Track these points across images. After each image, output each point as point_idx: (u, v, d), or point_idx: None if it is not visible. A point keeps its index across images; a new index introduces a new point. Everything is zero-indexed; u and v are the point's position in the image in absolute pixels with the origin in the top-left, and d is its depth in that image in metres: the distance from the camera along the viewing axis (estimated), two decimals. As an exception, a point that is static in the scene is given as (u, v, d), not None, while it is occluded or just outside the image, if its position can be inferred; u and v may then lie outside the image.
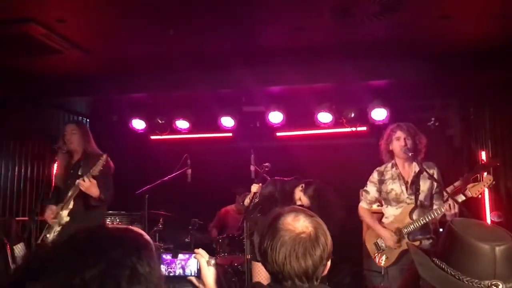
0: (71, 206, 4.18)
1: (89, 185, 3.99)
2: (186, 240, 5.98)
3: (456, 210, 3.66)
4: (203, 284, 1.86)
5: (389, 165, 4.15)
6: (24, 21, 4.07)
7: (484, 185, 3.74)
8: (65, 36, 4.48)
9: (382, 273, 4.13)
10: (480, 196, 3.82)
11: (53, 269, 0.88)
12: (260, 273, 4.33)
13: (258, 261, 4.47)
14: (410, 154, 3.92)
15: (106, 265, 0.88)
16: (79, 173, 4.25)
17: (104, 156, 4.05)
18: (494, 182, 3.81)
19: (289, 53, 5.01)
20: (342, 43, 4.78)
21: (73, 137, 4.37)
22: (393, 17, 4.08)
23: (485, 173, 4.50)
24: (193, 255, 1.92)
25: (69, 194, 4.18)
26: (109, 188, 4.24)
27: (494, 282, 1.25)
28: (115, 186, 4.37)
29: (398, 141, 4.02)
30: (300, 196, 4.46)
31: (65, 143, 4.36)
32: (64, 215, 4.16)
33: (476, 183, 3.76)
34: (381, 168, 4.21)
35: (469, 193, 3.71)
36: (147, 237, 1.03)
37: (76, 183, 4.06)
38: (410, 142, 3.99)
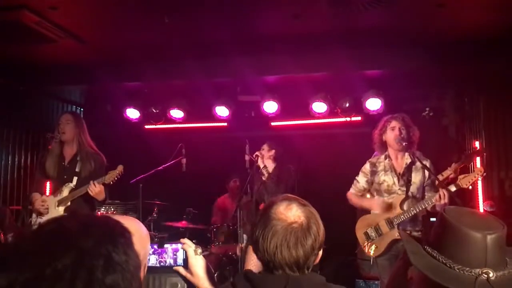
0: (68, 203, 4.20)
1: (98, 191, 4.10)
2: (181, 229, 5.98)
3: (446, 200, 3.68)
4: (191, 273, 1.86)
5: (382, 156, 4.17)
6: (16, 8, 4.02)
7: (475, 176, 3.76)
8: (58, 24, 4.44)
9: (371, 262, 4.16)
10: (471, 187, 3.85)
11: (21, 259, 0.85)
12: (253, 258, 4.39)
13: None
14: (404, 144, 3.93)
15: (78, 254, 0.86)
16: (77, 169, 4.25)
17: (121, 167, 4.18)
18: (485, 173, 3.83)
19: (284, 42, 4.99)
20: (337, 32, 4.76)
21: (67, 127, 4.35)
22: (389, 6, 4.06)
23: (478, 164, 4.53)
24: (180, 245, 1.91)
25: (66, 192, 4.20)
26: (106, 191, 4.30)
27: (485, 270, 1.26)
28: None
29: (393, 131, 4.03)
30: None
31: (59, 132, 4.34)
32: (61, 211, 4.17)
33: (467, 174, 3.78)
34: (374, 159, 4.23)
35: (460, 184, 3.73)
36: (123, 224, 1.00)
37: (73, 184, 4.19)
38: (405, 132, 4.00)
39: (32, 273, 0.83)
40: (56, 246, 0.87)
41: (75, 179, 4.25)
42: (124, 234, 0.97)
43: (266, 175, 4.88)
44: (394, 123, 4.05)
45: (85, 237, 0.90)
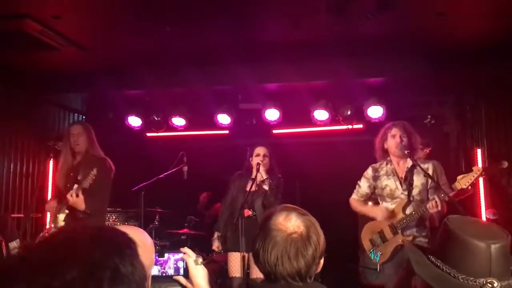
0: (67, 211, 4.21)
1: (75, 201, 4.02)
2: (182, 237, 5.97)
3: (439, 208, 3.65)
4: (192, 283, 1.85)
5: (384, 162, 4.16)
6: (19, 17, 4.05)
7: (473, 176, 3.68)
8: (61, 32, 4.46)
9: (378, 269, 4.13)
10: (470, 187, 3.77)
11: (29, 271, 0.85)
12: (235, 263, 4.46)
13: (232, 251, 4.56)
14: (406, 152, 3.92)
15: (86, 266, 0.86)
16: (79, 177, 4.25)
17: (95, 170, 4.03)
18: (483, 172, 3.77)
19: (285, 50, 5.00)
20: (338, 40, 4.77)
21: (80, 139, 4.37)
22: (389, 14, 4.07)
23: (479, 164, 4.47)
24: (181, 254, 1.89)
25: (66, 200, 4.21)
26: (101, 198, 4.26)
27: (489, 280, 1.25)
28: (111, 184, 4.38)
29: (394, 139, 4.03)
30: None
31: (66, 143, 4.37)
32: (60, 219, 4.19)
33: (465, 175, 3.72)
34: (376, 165, 4.22)
35: (458, 185, 3.68)
36: (130, 236, 1.00)
37: (73, 191, 4.10)
38: (406, 140, 4.00)
39: (40, 285, 0.83)
40: (64, 258, 0.87)
41: (75, 186, 4.25)
42: (131, 245, 0.97)
43: (266, 186, 4.72)
44: (394, 131, 4.05)
45: (93, 249, 0.90)
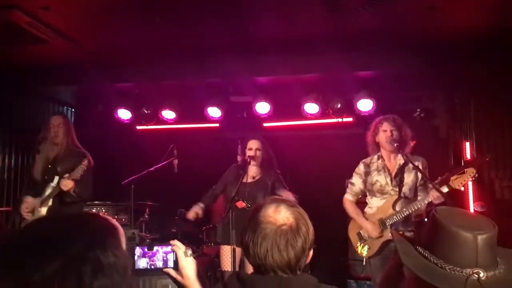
0: (50, 203, 4.20)
1: (71, 186, 4.11)
2: (173, 230, 5.97)
3: (442, 199, 3.70)
4: (181, 275, 1.86)
5: (375, 157, 4.18)
6: (7, 8, 4.00)
7: (467, 178, 3.76)
8: (49, 24, 4.42)
9: (364, 262, 4.16)
10: (463, 188, 3.86)
11: (6, 265, 0.83)
12: (227, 257, 4.45)
13: (224, 245, 4.55)
14: (395, 145, 3.95)
15: (67, 260, 0.84)
16: (58, 169, 4.26)
17: (86, 161, 4.16)
18: (477, 175, 3.84)
19: (276, 44, 5.00)
20: (330, 33, 4.77)
21: (60, 131, 4.38)
22: (381, 8, 4.08)
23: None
24: (170, 247, 1.90)
25: (48, 192, 4.22)
26: (87, 185, 4.31)
27: (475, 270, 1.27)
28: (101, 177, 4.39)
29: (385, 133, 4.05)
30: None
31: (50, 134, 4.35)
32: (43, 212, 4.18)
33: (459, 176, 3.78)
34: (367, 160, 4.24)
35: (452, 185, 3.74)
36: (112, 222, 0.98)
37: (55, 183, 4.18)
38: (397, 134, 4.02)
39: (20, 280, 0.81)
40: (45, 250, 0.86)
41: (56, 178, 4.27)
42: (113, 233, 0.96)
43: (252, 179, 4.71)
44: (385, 125, 4.07)
45: (74, 241, 0.88)
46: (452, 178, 3.77)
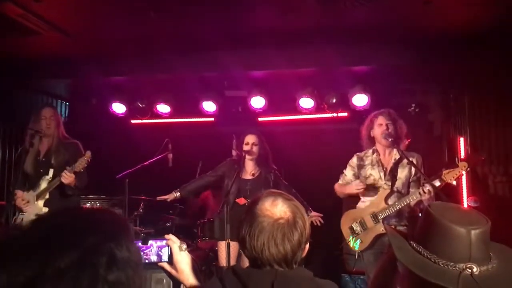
0: (47, 196, 4.18)
1: (72, 179, 4.10)
2: (167, 224, 5.96)
3: (432, 194, 3.72)
4: (176, 269, 1.85)
5: (370, 151, 4.19)
6: (-1, 0, 3.97)
7: (459, 171, 3.79)
8: (42, 16, 4.38)
9: (356, 257, 4.19)
10: (455, 182, 3.88)
11: (22, 257, 0.83)
12: (224, 252, 4.43)
13: (222, 240, 4.52)
14: (390, 140, 3.96)
15: (82, 253, 0.85)
16: (52, 162, 4.24)
17: (89, 153, 4.17)
18: (469, 168, 3.86)
19: (272, 37, 4.98)
20: (325, 28, 4.76)
21: (52, 123, 4.36)
22: (376, 2, 4.08)
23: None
24: (165, 241, 1.90)
25: (44, 185, 4.20)
26: (84, 176, 4.29)
27: (469, 265, 1.27)
28: (95, 171, 4.38)
29: (380, 127, 4.06)
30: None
31: (41, 127, 4.33)
32: (41, 205, 4.17)
33: (451, 170, 3.81)
34: (361, 153, 4.25)
35: (444, 179, 3.76)
36: (124, 218, 1.00)
37: (50, 176, 4.19)
38: (392, 128, 4.03)
39: (34, 271, 0.81)
40: (59, 243, 0.86)
41: (51, 171, 4.26)
42: (127, 229, 0.97)
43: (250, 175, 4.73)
44: (381, 119, 4.08)
45: (89, 234, 0.89)
46: (445, 172, 3.80)
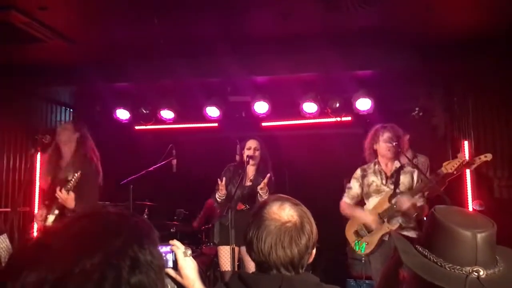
0: (56, 212, 4.16)
1: (66, 198, 3.98)
2: (172, 230, 5.97)
3: (407, 205, 3.84)
4: (181, 275, 1.85)
5: (372, 164, 4.27)
6: (4, 8, 3.99)
7: (458, 162, 3.91)
8: (47, 24, 4.41)
9: (363, 261, 4.20)
10: (455, 172, 3.97)
11: (51, 258, 0.86)
12: (225, 257, 4.47)
13: (221, 245, 4.54)
14: (394, 155, 4.07)
15: (107, 254, 0.87)
16: (68, 178, 4.16)
17: (78, 173, 3.99)
18: (467, 159, 3.96)
19: (274, 43, 4.99)
20: (328, 32, 4.78)
21: (65, 136, 4.32)
22: (379, 6, 4.09)
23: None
24: (169, 247, 1.90)
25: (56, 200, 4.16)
26: (89, 197, 4.17)
27: (475, 269, 1.27)
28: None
29: (385, 143, 4.11)
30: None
31: (54, 139, 4.32)
32: (50, 220, 4.14)
33: (450, 161, 3.92)
34: (364, 166, 4.34)
35: (444, 170, 3.85)
36: (149, 222, 1.01)
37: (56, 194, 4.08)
38: (397, 144, 4.08)
39: (62, 272, 0.83)
40: (85, 245, 0.88)
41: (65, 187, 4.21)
42: (151, 234, 0.98)
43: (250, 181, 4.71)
44: (386, 135, 4.12)
45: (114, 237, 0.91)
46: (444, 164, 3.93)
